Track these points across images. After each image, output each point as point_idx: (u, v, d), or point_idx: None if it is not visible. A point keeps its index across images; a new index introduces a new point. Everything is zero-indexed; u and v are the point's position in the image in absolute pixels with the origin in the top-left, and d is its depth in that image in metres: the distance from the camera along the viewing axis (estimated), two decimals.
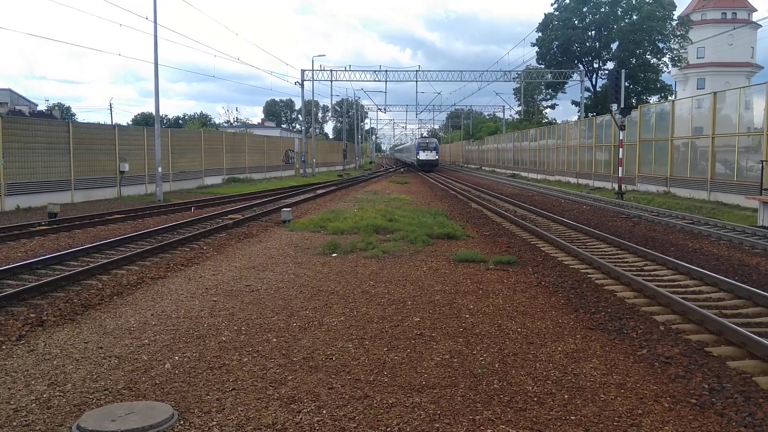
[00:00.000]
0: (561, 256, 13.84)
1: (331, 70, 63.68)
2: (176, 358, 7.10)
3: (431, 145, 79.40)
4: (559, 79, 71.70)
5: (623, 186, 31.93)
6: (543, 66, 73.68)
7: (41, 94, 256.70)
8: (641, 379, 6.52)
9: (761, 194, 20.13)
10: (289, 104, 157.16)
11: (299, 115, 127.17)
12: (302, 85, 61.44)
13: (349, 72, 63.43)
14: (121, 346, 7.52)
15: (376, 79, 63.20)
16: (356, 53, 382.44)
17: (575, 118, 68.69)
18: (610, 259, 13.53)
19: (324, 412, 5.65)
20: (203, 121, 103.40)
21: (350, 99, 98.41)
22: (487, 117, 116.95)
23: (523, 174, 60.44)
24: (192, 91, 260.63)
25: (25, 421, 5.46)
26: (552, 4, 73.15)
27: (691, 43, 68.74)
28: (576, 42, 70.54)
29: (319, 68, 63.22)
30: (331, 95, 79.15)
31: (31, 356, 7.17)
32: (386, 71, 62.71)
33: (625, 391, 6.17)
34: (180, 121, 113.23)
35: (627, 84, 56.86)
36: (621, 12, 67.71)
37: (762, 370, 6.61)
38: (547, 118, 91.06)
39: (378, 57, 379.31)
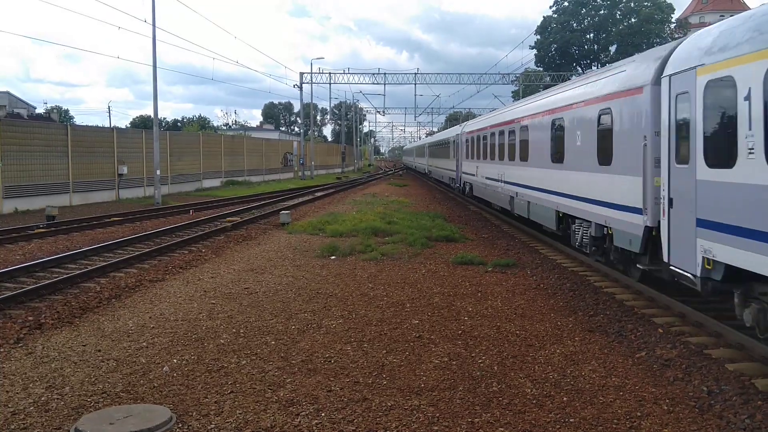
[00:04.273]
0: (560, 259, 13.83)
1: (329, 73, 63.75)
2: (174, 360, 7.09)
3: None
4: (557, 81, 71.86)
5: None
6: (541, 68, 73.88)
7: (38, 97, 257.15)
8: (640, 381, 6.51)
9: None
10: (288, 107, 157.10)
11: (298, 118, 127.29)
12: (301, 88, 61.51)
13: (348, 75, 63.51)
14: (119, 349, 7.51)
15: (375, 81, 63.26)
16: (353, 55, 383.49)
17: None
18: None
19: (323, 414, 5.64)
20: (202, 123, 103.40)
21: (349, 101, 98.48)
22: None
23: None
24: (189, 93, 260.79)
25: (23, 424, 5.45)
26: (551, 7, 73.43)
27: None
28: (574, 45, 70.77)
29: (317, 71, 63.42)
30: (330, 98, 79.40)
31: (29, 359, 7.15)
32: (385, 74, 62.77)
33: (624, 394, 6.17)
34: (178, 123, 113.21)
35: None
36: (619, 15, 67.92)
37: (761, 373, 6.61)
38: None
39: (374, 59, 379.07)
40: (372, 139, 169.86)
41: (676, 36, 67.30)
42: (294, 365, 6.93)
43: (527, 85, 75.01)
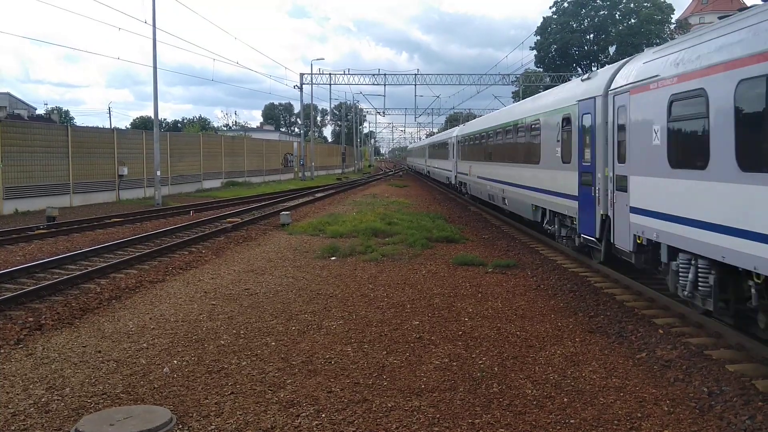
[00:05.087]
0: (560, 260, 13.83)
1: (329, 74, 63.72)
2: (175, 362, 7.09)
3: None
4: (557, 82, 71.94)
5: None
6: (541, 69, 73.91)
7: (38, 98, 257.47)
8: (640, 382, 6.51)
9: None
10: (288, 108, 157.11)
11: (298, 119, 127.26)
12: (301, 89, 61.53)
13: (348, 75, 63.47)
14: (119, 350, 7.51)
15: (375, 82, 63.23)
16: (352, 56, 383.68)
17: None
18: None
19: (323, 415, 5.64)
20: (202, 124, 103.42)
21: (349, 102, 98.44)
22: None
23: None
24: (190, 94, 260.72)
25: (24, 425, 5.45)
26: (550, 8, 73.52)
27: None
28: (574, 45, 70.80)
29: (317, 72, 63.32)
30: (330, 99, 79.22)
31: (30, 360, 7.15)
32: (385, 75, 62.71)
33: (625, 395, 6.16)
34: (179, 124, 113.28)
35: None
36: (619, 16, 67.93)
37: (761, 374, 6.61)
38: None
39: (374, 60, 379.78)
40: (372, 140, 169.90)
41: (676, 36, 67.43)
42: (294, 366, 6.93)
43: (527, 86, 75.16)
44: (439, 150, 44.82)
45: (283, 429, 5.37)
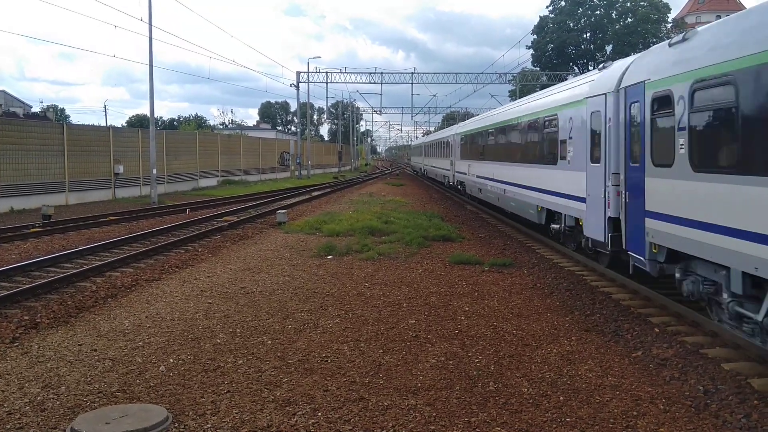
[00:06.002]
0: (556, 258, 13.85)
1: (326, 72, 63.66)
2: (171, 360, 7.08)
3: None
4: (554, 81, 72.00)
5: None
6: (538, 68, 73.98)
7: (33, 96, 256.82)
8: (636, 380, 6.52)
9: None
10: (285, 106, 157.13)
11: (295, 117, 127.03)
12: (297, 87, 61.41)
13: (345, 74, 63.42)
14: (115, 348, 7.49)
15: (372, 81, 63.20)
16: (349, 54, 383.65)
17: None
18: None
19: (319, 414, 5.64)
20: (199, 122, 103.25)
21: (345, 101, 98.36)
22: None
23: None
24: (186, 92, 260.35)
25: (19, 423, 5.43)
26: (547, 7, 73.62)
27: None
28: (571, 44, 70.90)
29: (314, 70, 63.25)
30: (327, 97, 79.35)
31: (25, 359, 7.13)
32: (381, 73, 62.68)
33: (621, 393, 6.17)
34: (175, 122, 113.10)
35: None
36: (615, 15, 68.07)
37: (757, 372, 6.63)
38: None
39: (371, 58, 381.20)
40: (369, 139, 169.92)
41: (672, 36, 67.56)
42: (291, 365, 6.92)
43: (524, 85, 75.13)
44: (487, 144, 22.51)
45: (280, 427, 5.37)
